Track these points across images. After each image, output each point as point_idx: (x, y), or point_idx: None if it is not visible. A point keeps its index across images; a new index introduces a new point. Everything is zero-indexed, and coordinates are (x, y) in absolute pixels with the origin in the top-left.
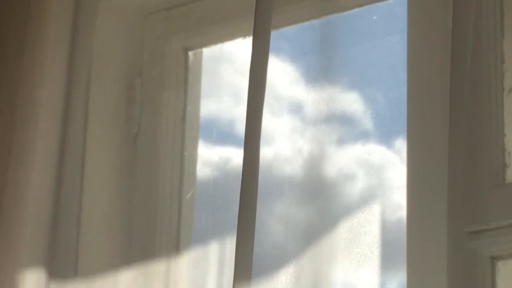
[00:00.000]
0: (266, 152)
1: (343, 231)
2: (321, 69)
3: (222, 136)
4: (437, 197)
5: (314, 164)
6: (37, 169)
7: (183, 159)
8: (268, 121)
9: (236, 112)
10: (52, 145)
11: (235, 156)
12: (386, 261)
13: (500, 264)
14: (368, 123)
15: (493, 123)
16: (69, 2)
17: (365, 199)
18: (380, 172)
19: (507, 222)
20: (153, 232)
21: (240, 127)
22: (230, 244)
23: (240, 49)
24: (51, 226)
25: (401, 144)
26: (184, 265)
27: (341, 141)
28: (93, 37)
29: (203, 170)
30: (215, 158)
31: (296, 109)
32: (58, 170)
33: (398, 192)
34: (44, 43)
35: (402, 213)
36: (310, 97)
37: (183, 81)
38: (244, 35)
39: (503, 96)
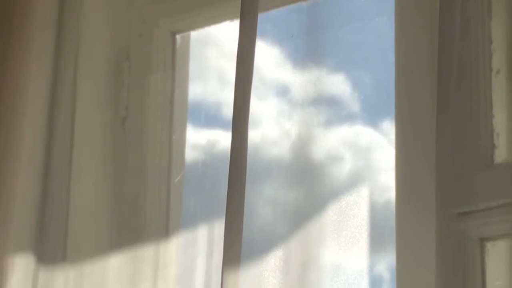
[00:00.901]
0: (254, 135)
1: (331, 214)
2: (308, 51)
3: (210, 119)
4: (426, 178)
5: (302, 147)
6: (25, 154)
7: (172, 143)
8: (256, 104)
9: (224, 95)
10: (40, 130)
11: (223, 139)
12: (375, 243)
13: (489, 245)
14: (356, 105)
15: (481, 104)
16: None
17: (354, 181)
18: (369, 154)
19: (496, 203)
20: (142, 216)
21: (228, 110)
22: (219, 228)
23: (228, 32)
24: (39, 211)
25: (389, 126)
26: (173, 249)
27: (329, 123)
28: (81, 21)
29: (191, 153)
30: (203, 142)
31: (283, 91)
32: (46, 155)
33: (387, 174)
34: (31, 27)
35: (391, 195)
36: (298, 80)
37: (171, 65)
38: (231, 18)
39: (491, 77)
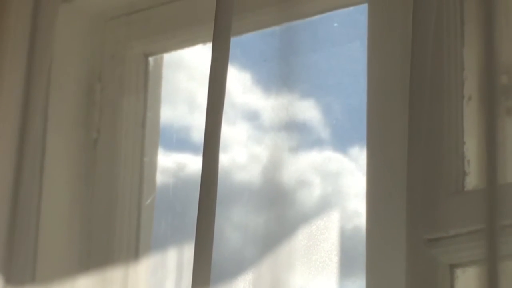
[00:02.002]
0: (224, 159)
1: (301, 238)
2: (281, 75)
3: (180, 143)
4: (396, 204)
5: (273, 171)
6: None
7: (143, 165)
8: (227, 129)
9: (194, 119)
10: (10, 150)
11: (193, 162)
12: (345, 269)
13: (459, 272)
14: (327, 130)
15: (452, 130)
16: (28, 4)
17: (324, 206)
18: (339, 180)
19: (466, 229)
20: (112, 238)
21: (197, 133)
22: (189, 251)
23: (199, 55)
24: (8, 231)
25: (361, 152)
26: (142, 271)
27: (300, 148)
28: (53, 41)
29: (162, 176)
30: (175, 165)
31: (255, 116)
32: (16, 175)
33: (357, 199)
34: (3, 46)
35: (361, 220)
36: (270, 104)
37: (143, 87)
38: (204, 41)
39: (463, 104)
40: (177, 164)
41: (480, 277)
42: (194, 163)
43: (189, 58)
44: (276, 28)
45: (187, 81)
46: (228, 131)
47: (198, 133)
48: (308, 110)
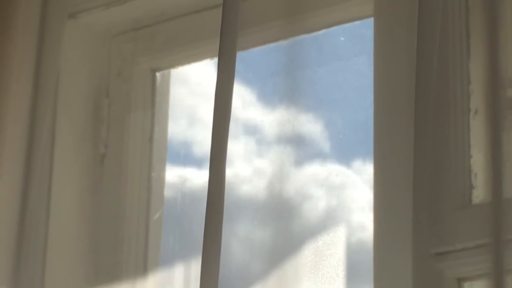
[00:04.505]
0: (229, 173)
1: (308, 253)
2: (287, 90)
3: (188, 157)
4: (404, 218)
5: (279, 185)
6: (2, 191)
7: (151, 180)
8: (233, 142)
9: (197, 133)
10: (18, 167)
11: (197, 177)
12: (352, 283)
13: (466, 286)
14: (334, 145)
15: (459, 144)
16: (35, 21)
17: (330, 220)
18: (345, 193)
19: (474, 243)
20: (120, 254)
21: (201, 148)
22: (196, 266)
23: (208, 69)
24: (16, 249)
25: (368, 166)
26: (150, 287)
27: (306, 162)
28: (59, 58)
29: (169, 191)
30: (182, 180)
31: (261, 130)
32: (23, 192)
33: (363, 213)
34: (9, 63)
35: (367, 234)
36: (276, 118)
37: (151, 102)
38: (212, 56)
39: (469, 117)
40: (184, 179)
41: None
42: (202, 178)
43: (196, 73)
44: (282, 43)
45: (194, 96)
46: (233, 145)
47: (201, 147)
48: (313, 125)
